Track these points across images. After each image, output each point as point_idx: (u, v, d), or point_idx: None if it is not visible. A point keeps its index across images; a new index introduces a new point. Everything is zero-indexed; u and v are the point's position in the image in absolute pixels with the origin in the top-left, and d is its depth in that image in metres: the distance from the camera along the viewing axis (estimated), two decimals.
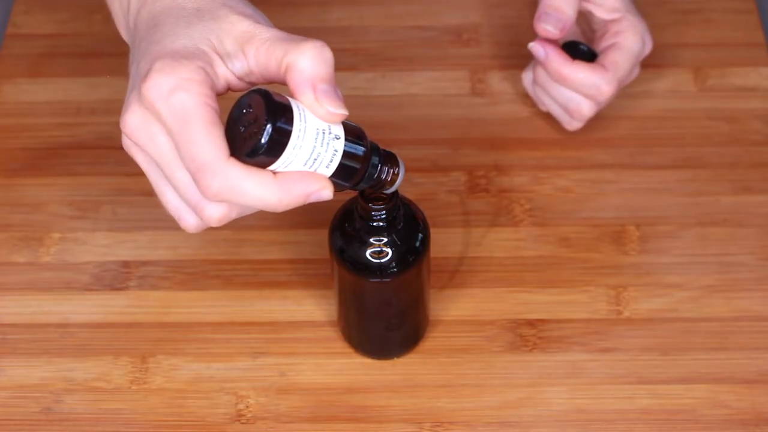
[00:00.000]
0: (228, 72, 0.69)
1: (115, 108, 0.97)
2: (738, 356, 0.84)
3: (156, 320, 0.87)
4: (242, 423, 0.82)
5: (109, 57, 1.01)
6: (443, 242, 0.88)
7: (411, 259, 0.77)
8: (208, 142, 0.66)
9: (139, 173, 0.94)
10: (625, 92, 0.98)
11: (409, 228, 0.77)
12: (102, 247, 0.90)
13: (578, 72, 0.90)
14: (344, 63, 1.00)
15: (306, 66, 0.67)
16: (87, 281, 0.89)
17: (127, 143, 0.70)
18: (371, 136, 0.96)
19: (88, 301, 0.88)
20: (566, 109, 0.92)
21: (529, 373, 0.84)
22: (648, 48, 0.93)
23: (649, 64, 0.99)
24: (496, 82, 0.98)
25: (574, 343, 0.85)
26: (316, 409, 0.83)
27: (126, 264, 0.89)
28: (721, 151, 0.94)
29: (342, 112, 0.68)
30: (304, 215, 0.89)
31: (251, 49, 0.69)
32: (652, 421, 0.82)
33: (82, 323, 0.87)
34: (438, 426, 0.82)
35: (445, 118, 0.97)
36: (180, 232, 0.90)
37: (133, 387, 0.84)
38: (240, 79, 0.70)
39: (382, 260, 0.77)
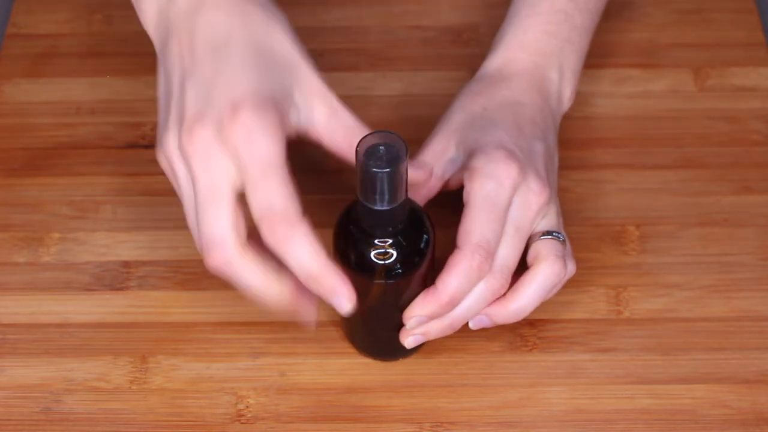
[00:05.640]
0: (294, 123, 0.73)
1: (115, 108, 0.98)
2: (738, 356, 0.84)
3: (156, 320, 0.87)
4: (242, 423, 0.82)
5: (109, 57, 1.01)
6: (443, 242, 0.88)
7: (416, 261, 0.77)
8: (287, 195, 0.70)
9: (139, 173, 0.94)
10: (625, 92, 0.98)
11: (414, 229, 0.77)
12: (102, 247, 0.90)
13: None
14: (344, 63, 1.00)
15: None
16: (87, 281, 0.89)
17: (166, 158, 0.72)
18: None
19: (88, 301, 0.88)
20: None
21: (529, 373, 0.84)
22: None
23: (649, 64, 0.99)
24: None
25: (574, 343, 0.85)
26: (316, 409, 0.83)
27: (126, 264, 0.89)
28: (721, 151, 0.94)
29: None
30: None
31: (327, 121, 0.74)
32: (652, 421, 0.82)
33: (82, 323, 0.87)
34: (438, 426, 0.82)
35: None
36: (180, 232, 0.90)
37: (133, 387, 0.84)
38: (298, 132, 0.73)
39: (387, 261, 0.76)
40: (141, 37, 1.02)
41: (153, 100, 0.98)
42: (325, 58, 1.00)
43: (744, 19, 1.02)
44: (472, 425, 0.82)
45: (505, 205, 0.78)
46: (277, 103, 0.72)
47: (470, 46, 1.01)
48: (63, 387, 0.84)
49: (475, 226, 0.77)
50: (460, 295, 0.77)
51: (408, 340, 0.80)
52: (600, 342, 0.85)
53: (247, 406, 0.83)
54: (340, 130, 0.74)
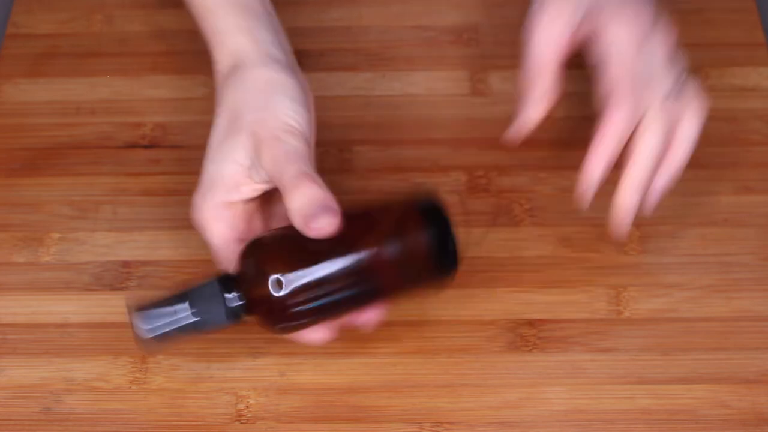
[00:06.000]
0: (252, 184, 0.79)
1: (115, 108, 0.98)
2: (738, 356, 0.84)
3: None
4: (242, 423, 0.82)
5: (109, 57, 1.01)
6: None
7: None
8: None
9: (139, 173, 0.94)
10: None
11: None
12: (102, 247, 0.90)
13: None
14: (344, 63, 1.00)
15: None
16: (87, 281, 0.88)
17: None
18: (371, 136, 0.96)
19: (88, 301, 0.88)
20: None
21: (529, 373, 0.84)
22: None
23: None
24: (496, 82, 0.98)
25: (574, 343, 0.85)
26: (316, 409, 0.83)
27: (126, 264, 0.89)
28: (721, 151, 0.94)
29: None
30: None
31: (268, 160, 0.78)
32: (652, 422, 0.82)
33: (82, 323, 0.87)
34: (438, 426, 0.82)
35: (445, 118, 0.97)
36: (180, 232, 0.90)
37: (133, 387, 0.84)
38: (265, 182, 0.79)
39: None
40: (141, 37, 1.02)
41: (153, 100, 0.98)
42: (325, 58, 1.00)
43: (744, 19, 1.01)
44: (472, 425, 0.82)
45: (636, 57, 0.80)
46: (218, 187, 0.79)
47: (470, 46, 1.01)
48: (63, 387, 0.84)
49: (612, 82, 0.80)
50: (618, 143, 0.81)
51: (620, 225, 0.84)
52: (600, 342, 0.85)
53: (247, 406, 0.83)
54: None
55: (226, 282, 0.77)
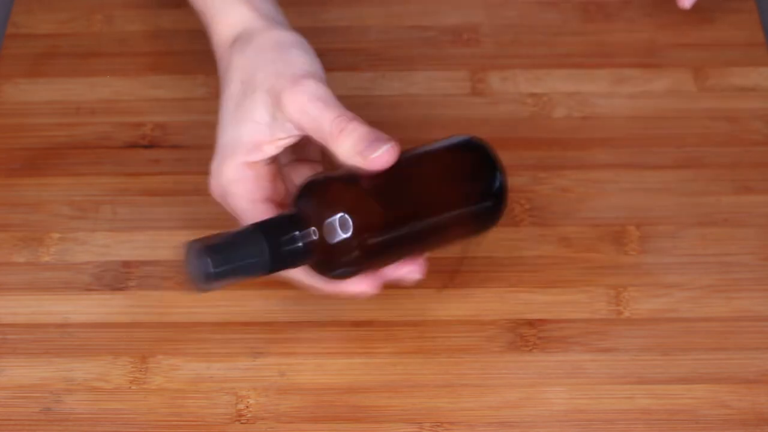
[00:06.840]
0: (274, 142, 0.79)
1: (115, 108, 0.98)
2: (738, 356, 0.84)
3: (156, 320, 0.87)
4: (242, 423, 0.82)
5: (109, 57, 1.01)
6: None
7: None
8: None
9: (139, 173, 0.94)
10: (625, 92, 0.98)
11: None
12: (102, 247, 0.90)
13: None
14: (344, 63, 1.00)
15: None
16: (87, 281, 0.89)
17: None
18: None
19: (88, 301, 0.88)
20: None
21: (529, 373, 0.84)
22: None
23: (649, 64, 0.99)
24: (496, 82, 0.98)
25: (574, 343, 0.85)
26: (316, 409, 0.83)
27: (126, 264, 0.89)
28: (721, 151, 0.94)
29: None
30: None
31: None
32: (652, 421, 0.82)
33: (82, 323, 0.87)
34: (438, 426, 0.82)
35: (445, 118, 0.97)
36: (180, 232, 0.90)
37: (133, 387, 0.84)
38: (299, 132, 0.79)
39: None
40: (141, 37, 1.03)
41: (153, 100, 0.98)
42: (325, 58, 1.00)
43: (744, 19, 1.02)
44: (472, 425, 0.82)
45: None
46: (237, 152, 0.79)
47: (470, 46, 1.01)
48: (63, 387, 0.84)
49: None
50: None
51: None
52: (600, 342, 0.85)
53: (247, 406, 0.83)
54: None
55: (276, 227, 0.76)
